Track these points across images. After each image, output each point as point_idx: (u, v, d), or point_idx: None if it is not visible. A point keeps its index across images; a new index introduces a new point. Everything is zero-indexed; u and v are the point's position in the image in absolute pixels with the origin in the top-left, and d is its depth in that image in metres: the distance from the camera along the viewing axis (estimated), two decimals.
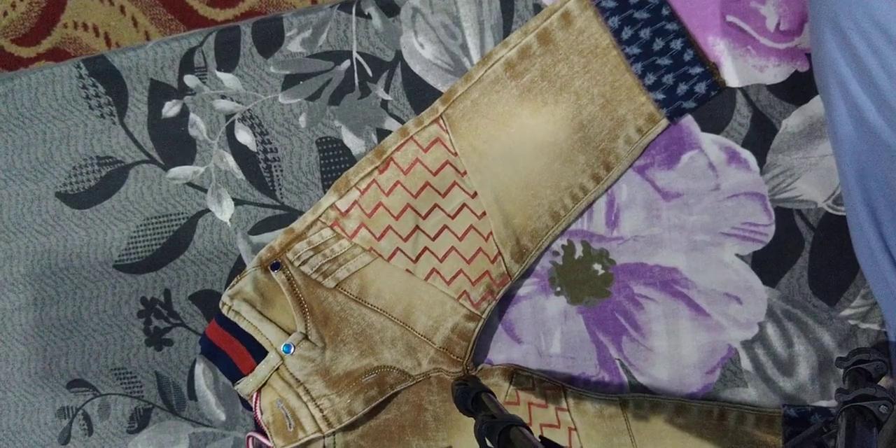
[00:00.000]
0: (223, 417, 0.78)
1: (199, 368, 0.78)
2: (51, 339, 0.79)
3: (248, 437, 0.74)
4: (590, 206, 0.72)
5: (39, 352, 0.79)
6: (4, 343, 0.80)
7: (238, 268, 0.76)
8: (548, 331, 0.73)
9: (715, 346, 0.72)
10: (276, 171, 0.74)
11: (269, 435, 0.71)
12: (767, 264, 0.71)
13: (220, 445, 0.78)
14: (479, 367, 0.74)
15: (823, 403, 0.71)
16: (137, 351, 0.78)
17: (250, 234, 0.75)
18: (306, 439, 0.71)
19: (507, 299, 0.73)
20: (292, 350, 0.72)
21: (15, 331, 0.79)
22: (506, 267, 0.71)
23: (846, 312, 0.70)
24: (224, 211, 0.76)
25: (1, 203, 0.78)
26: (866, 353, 0.61)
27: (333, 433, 0.75)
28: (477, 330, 0.71)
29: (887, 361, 0.61)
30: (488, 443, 0.54)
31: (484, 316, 0.71)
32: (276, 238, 0.72)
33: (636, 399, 0.72)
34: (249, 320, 0.73)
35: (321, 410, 0.71)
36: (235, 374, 0.73)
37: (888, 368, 0.62)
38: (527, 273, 0.73)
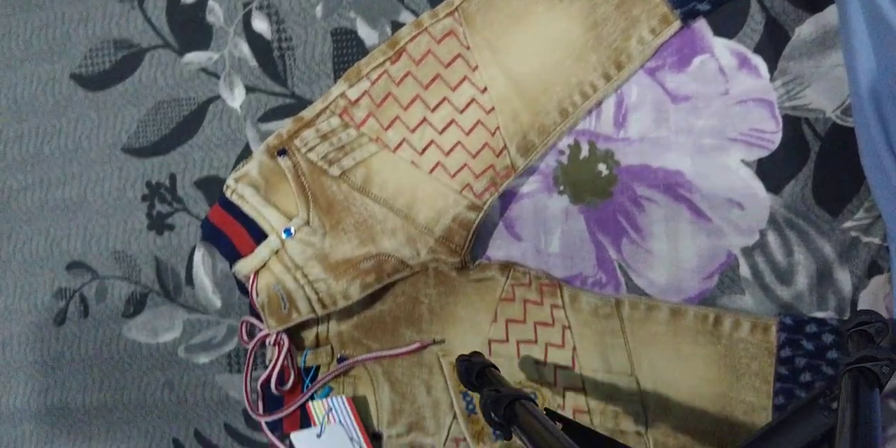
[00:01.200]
0: (218, 305, 0.78)
1: (199, 255, 0.78)
2: (54, 221, 0.80)
3: (242, 322, 0.74)
4: (598, 104, 0.72)
5: (42, 232, 0.80)
6: (8, 223, 0.80)
7: (245, 155, 0.76)
8: (548, 229, 0.73)
9: (715, 251, 0.72)
10: (289, 59, 0.75)
11: (263, 316, 0.72)
12: (772, 171, 0.71)
13: (214, 332, 0.78)
14: (477, 263, 0.74)
15: (820, 314, 0.71)
16: (139, 235, 0.78)
17: (259, 121, 0.76)
18: (299, 320, 0.71)
19: (509, 196, 0.74)
20: (293, 234, 0.72)
21: (20, 210, 0.80)
22: (511, 160, 0.71)
23: (848, 224, 0.70)
24: (235, 98, 0.76)
25: (16, 83, 0.79)
26: (867, 315, 0.61)
27: (328, 322, 0.75)
28: (478, 220, 0.71)
29: (888, 323, 0.62)
30: (494, 416, 0.54)
31: (485, 207, 0.71)
32: (284, 125, 0.73)
33: (632, 300, 0.72)
34: (252, 204, 0.73)
35: (317, 293, 0.71)
36: (235, 257, 0.73)
37: (889, 330, 0.62)
38: (531, 171, 0.73)
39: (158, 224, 0.78)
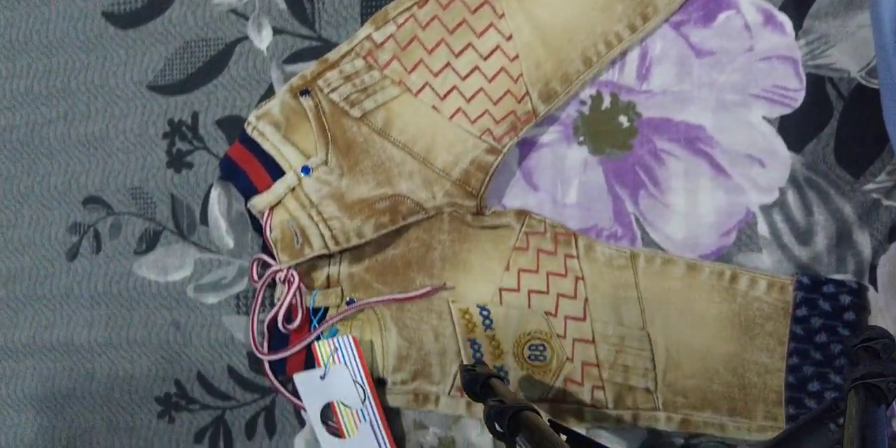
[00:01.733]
0: (231, 245, 0.78)
1: (215, 193, 0.78)
2: (75, 155, 0.80)
3: (254, 260, 0.74)
4: (623, 56, 0.72)
5: (62, 167, 0.80)
6: (29, 156, 0.81)
7: (268, 95, 0.77)
8: (566, 180, 0.73)
9: (733, 208, 0.71)
10: (317, 3, 0.76)
11: (275, 251, 0.71)
12: (794, 129, 0.70)
13: (224, 273, 0.78)
14: (493, 210, 0.73)
15: (838, 277, 0.70)
16: (157, 172, 0.79)
17: (284, 63, 0.77)
18: (312, 255, 0.71)
19: (528, 146, 0.74)
20: (310, 172, 0.73)
21: (41, 145, 0.81)
22: (532, 106, 0.71)
23: (870, 186, 0.70)
24: (262, 39, 0.77)
25: (49, 18, 0.80)
26: (874, 331, 0.61)
27: (339, 263, 0.75)
28: (496, 163, 0.71)
29: (895, 339, 0.61)
30: (497, 427, 0.54)
31: (504, 150, 0.71)
32: (309, 67, 0.74)
33: (648, 254, 0.71)
34: (272, 142, 0.73)
35: (331, 230, 0.71)
36: (251, 192, 0.73)
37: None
38: (551, 121, 0.73)
39: (177, 162, 0.78)
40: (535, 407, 0.55)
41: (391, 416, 0.75)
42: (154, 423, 0.79)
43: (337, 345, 0.73)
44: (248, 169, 0.74)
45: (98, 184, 0.80)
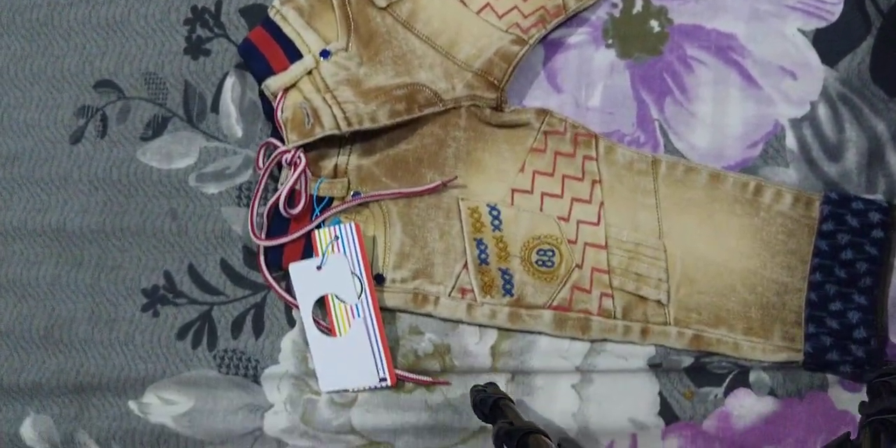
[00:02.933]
0: (240, 134, 0.76)
1: (230, 81, 0.76)
2: (92, 38, 0.79)
3: (262, 144, 0.72)
4: None
5: (78, 49, 0.79)
6: (46, 36, 0.80)
7: None
8: (591, 82, 0.71)
9: (762, 119, 0.69)
10: None
11: (284, 132, 0.69)
12: (829, 43, 0.68)
13: (229, 162, 0.75)
14: (512, 108, 0.71)
15: (868, 197, 0.66)
16: (174, 58, 0.77)
17: None
18: (322, 134, 0.68)
19: (554, 46, 0.72)
20: (329, 56, 0.71)
21: (60, 26, 0.79)
22: (563, 0, 0.70)
23: None
24: None
25: None
26: (891, 367, 0.61)
27: (349, 154, 0.72)
28: (521, 54, 0.69)
29: None
30: None
31: (531, 42, 0.69)
32: None
33: (670, 161, 0.69)
34: (294, 26, 0.72)
35: (344, 112, 0.69)
36: (267, 74, 0.71)
37: None
38: (581, 22, 0.71)
39: (195, 48, 0.77)
40: (544, 430, 0.55)
41: (386, 320, 0.71)
42: (137, 316, 0.75)
43: (338, 233, 0.69)
44: (267, 51, 0.72)
45: (112, 67, 0.78)
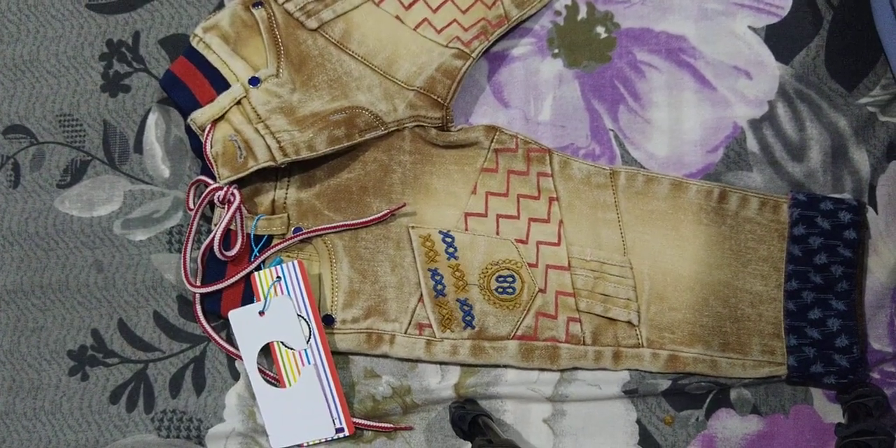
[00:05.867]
0: (167, 174, 0.70)
1: (152, 118, 0.70)
2: None
3: (192, 183, 0.66)
4: None
5: None
6: None
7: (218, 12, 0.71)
8: (539, 95, 0.67)
9: (720, 122, 0.65)
10: None
11: (215, 167, 0.63)
12: (782, 40, 0.65)
13: (157, 205, 0.69)
14: (459, 127, 0.67)
15: (835, 196, 0.63)
16: (90, 96, 0.71)
17: None
18: (256, 168, 0.63)
19: (498, 59, 0.68)
20: (259, 83, 0.66)
21: None
22: (504, 9, 0.66)
23: (864, 100, 0.64)
24: None
25: None
26: (866, 388, 0.60)
27: (286, 187, 0.67)
28: (464, 68, 0.65)
29: (886, 397, 0.60)
30: None
31: (474, 55, 0.65)
32: None
33: (629, 171, 0.65)
34: (219, 54, 0.67)
35: (278, 141, 0.63)
36: (193, 107, 0.66)
37: (888, 404, 0.61)
38: (524, 32, 0.68)
39: (114, 85, 0.71)
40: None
41: (338, 364, 0.65)
42: (64, 381, 0.68)
43: (280, 273, 0.64)
44: (192, 83, 0.67)
45: (23, 111, 0.72)
